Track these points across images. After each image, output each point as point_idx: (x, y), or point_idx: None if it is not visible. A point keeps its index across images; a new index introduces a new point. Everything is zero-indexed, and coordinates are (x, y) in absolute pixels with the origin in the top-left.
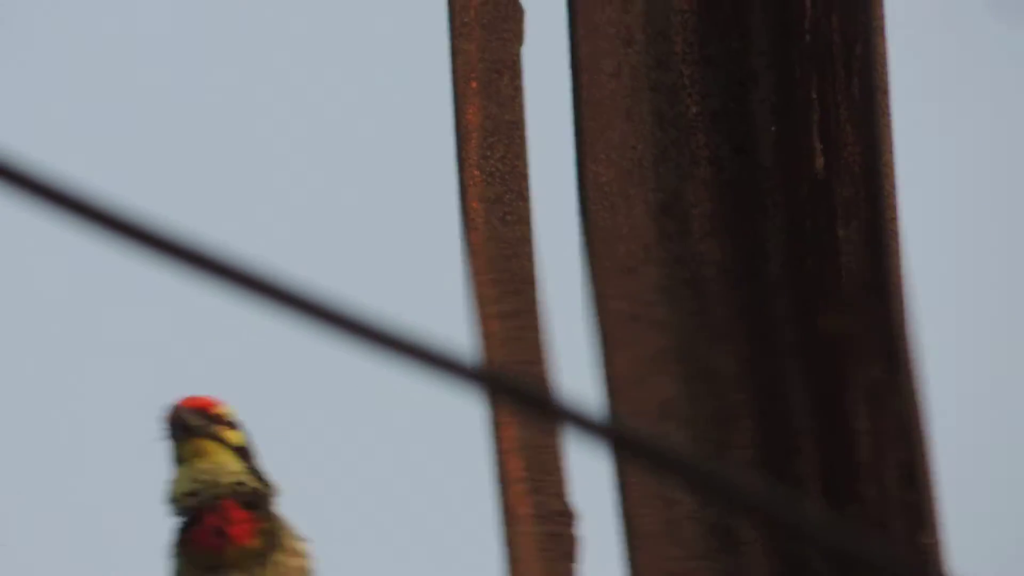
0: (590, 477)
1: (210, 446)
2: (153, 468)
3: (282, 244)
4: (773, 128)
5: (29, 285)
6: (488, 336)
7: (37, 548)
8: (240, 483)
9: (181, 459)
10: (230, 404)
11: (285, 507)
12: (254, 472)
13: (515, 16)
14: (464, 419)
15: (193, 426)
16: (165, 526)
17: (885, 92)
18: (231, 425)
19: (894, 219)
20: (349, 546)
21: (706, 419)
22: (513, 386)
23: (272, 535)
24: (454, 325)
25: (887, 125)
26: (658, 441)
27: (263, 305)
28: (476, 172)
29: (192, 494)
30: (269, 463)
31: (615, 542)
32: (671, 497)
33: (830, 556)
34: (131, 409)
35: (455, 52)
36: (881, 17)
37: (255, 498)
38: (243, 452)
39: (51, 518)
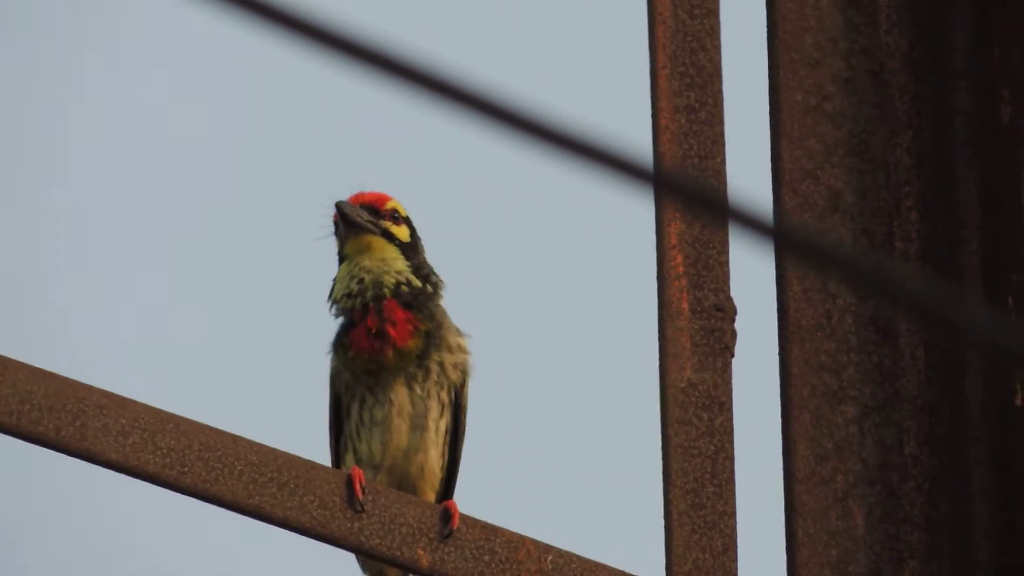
0: (751, 272)
1: (375, 242)
2: (320, 265)
3: (457, 41)
4: None
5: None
6: (664, 131)
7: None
8: (403, 282)
9: (346, 256)
10: (399, 200)
11: (448, 303)
12: (418, 270)
13: None
14: (628, 215)
15: (359, 221)
16: (329, 324)
17: None
18: (397, 220)
19: None
20: (510, 340)
21: (873, 212)
22: (681, 182)
23: (432, 335)
24: (629, 122)
25: None
26: (821, 236)
27: (438, 102)
28: None
29: (354, 295)
30: (436, 260)
31: (771, 338)
32: (831, 291)
33: (988, 350)
34: (301, 205)
35: None
36: None
37: (417, 297)
38: (409, 248)
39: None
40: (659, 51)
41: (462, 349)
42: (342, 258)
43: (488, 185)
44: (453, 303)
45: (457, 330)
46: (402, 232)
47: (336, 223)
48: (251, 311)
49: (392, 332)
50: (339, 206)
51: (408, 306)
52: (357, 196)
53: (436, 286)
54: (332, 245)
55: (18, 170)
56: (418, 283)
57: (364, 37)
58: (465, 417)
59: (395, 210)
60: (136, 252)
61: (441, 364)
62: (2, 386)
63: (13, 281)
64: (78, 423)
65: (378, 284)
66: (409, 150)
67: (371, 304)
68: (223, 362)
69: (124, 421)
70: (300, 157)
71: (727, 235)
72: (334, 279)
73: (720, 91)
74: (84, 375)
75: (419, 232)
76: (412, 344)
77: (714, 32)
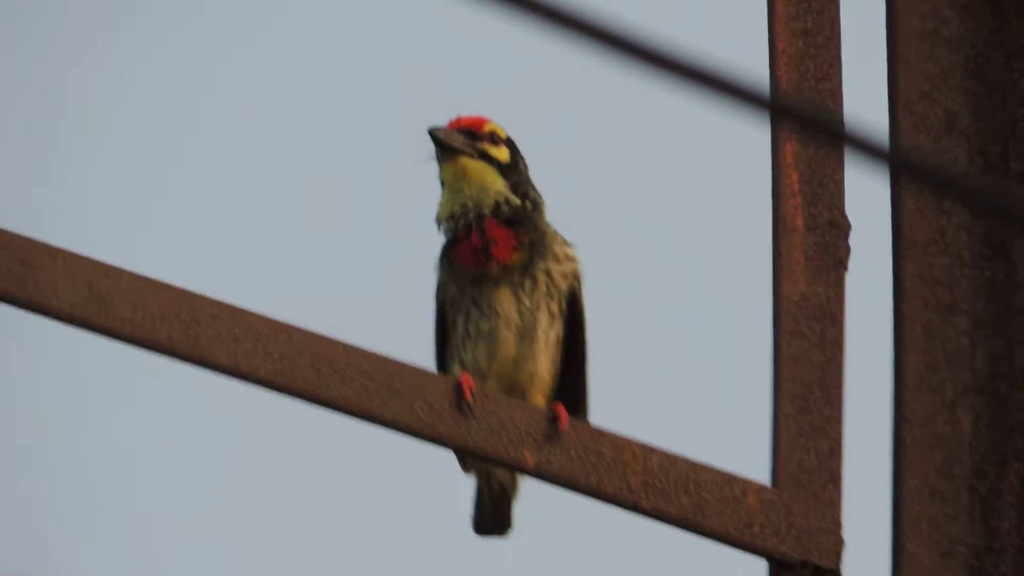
0: (866, 191)
1: (473, 165)
2: (424, 186)
3: None
4: None
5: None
6: (781, 54)
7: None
8: (501, 202)
9: (446, 180)
10: (498, 122)
11: (554, 219)
12: (518, 189)
13: None
14: (745, 134)
15: (456, 146)
16: (435, 241)
17: None
18: (496, 142)
19: None
20: (631, 255)
21: (988, 133)
22: (798, 108)
23: (535, 246)
24: (747, 46)
25: None
26: (936, 159)
27: (546, 28)
28: None
29: (456, 216)
30: (554, 185)
31: (885, 254)
32: (945, 208)
33: None
34: (401, 130)
35: None
36: None
37: (518, 214)
38: (509, 168)
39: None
40: None
41: (569, 258)
42: (443, 183)
43: (607, 111)
44: (571, 225)
45: (563, 240)
46: (501, 153)
47: (435, 145)
48: (360, 229)
49: (495, 250)
50: (432, 133)
51: (509, 223)
52: (455, 122)
53: (536, 203)
54: (433, 170)
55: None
56: (517, 201)
57: None
58: (585, 326)
59: (494, 132)
60: (253, 173)
61: (548, 273)
62: (115, 295)
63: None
64: (191, 332)
65: (478, 205)
66: (524, 78)
67: (473, 224)
68: (333, 276)
69: (237, 330)
70: (408, 84)
71: (842, 155)
72: (438, 203)
73: (837, 15)
74: (198, 286)
75: (522, 154)
76: (516, 258)
77: None
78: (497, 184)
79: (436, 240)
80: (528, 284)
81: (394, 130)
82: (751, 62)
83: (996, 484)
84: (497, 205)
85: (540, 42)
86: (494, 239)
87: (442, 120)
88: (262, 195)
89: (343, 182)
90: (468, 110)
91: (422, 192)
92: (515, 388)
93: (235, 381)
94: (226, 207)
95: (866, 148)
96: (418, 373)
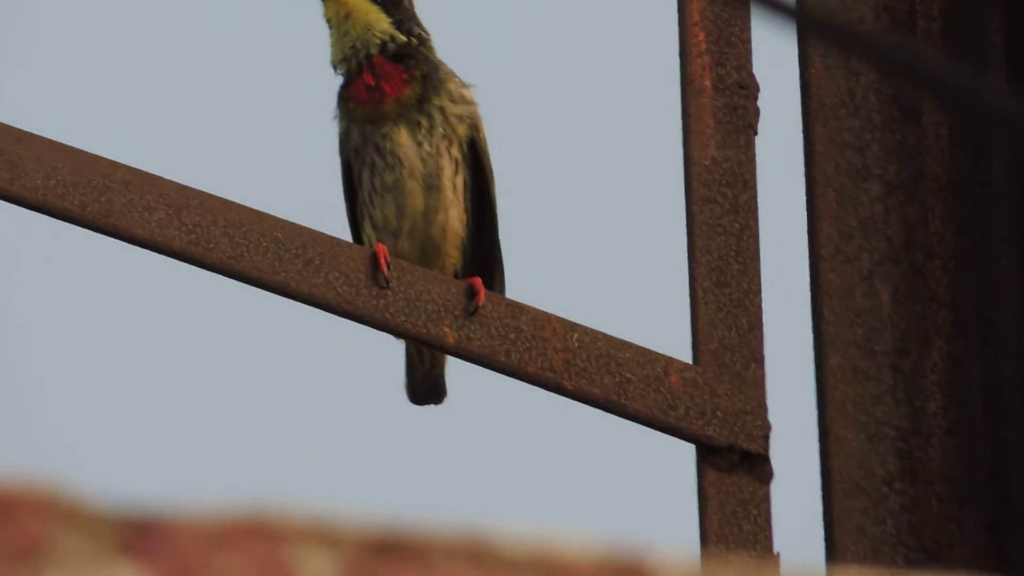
0: (773, 50)
1: (354, 2)
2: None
3: None
4: None
5: None
6: None
7: None
8: (387, 40)
9: (330, 19)
10: None
11: (447, 59)
12: (402, 25)
13: None
14: None
15: None
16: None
17: None
18: None
19: None
20: (531, 111)
21: None
22: None
23: (428, 80)
24: None
25: None
26: (843, 15)
27: None
28: None
29: (348, 59)
30: (440, 35)
31: (794, 116)
32: (854, 68)
33: (1012, 128)
34: None
35: None
36: None
37: (406, 49)
38: (391, 5)
39: None
40: None
41: (466, 100)
42: (328, 23)
43: None
44: (469, 74)
45: (460, 81)
46: None
47: None
48: (257, 84)
49: (386, 86)
50: None
51: (397, 58)
52: None
53: (422, 39)
54: (316, 6)
55: None
56: (402, 38)
57: None
58: (491, 175)
59: None
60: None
61: (443, 111)
62: (27, 161)
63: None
64: (104, 199)
65: (366, 45)
66: None
67: (363, 63)
68: (239, 139)
69: (150, 197)
70: None
71: (749, 12)
72: (330, 46)
73: None
74: (109, 151)
75: None
76: (408, 91)
77: None
78: (382, 23)
79: (335, 87)
80: (425, 123)
81: None
82: None
83: (919, 362)
84: (383, 44)
85: None
86: (385, 75)
87: None
88: (168, 56)
89: (240, 34)
90: None
91: (314, 42)
92: (429, 244)
93: (148, 251)
94: (135, 72)
95: (772, 4)
96: (334, 243)
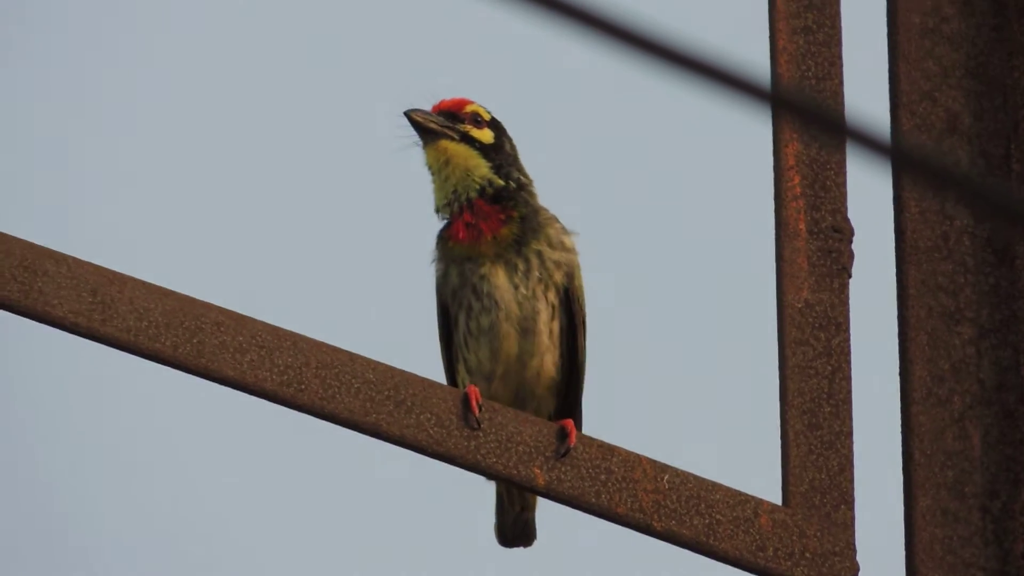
0: (868, 194)
1: (455, 148)
2: (408, 172)
3: None
4: None
5: None
6: (782, 52)
7: None
8: (485, 185)
9: (430, 165)
10: (481, 104)
11: (550, 204)
12: (501, 170)
13: None
14: (747, 135)
15: (435, 128)
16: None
17: None
18: (479, 123)
19: None
20: (629, 261)
21: (991, 134)
22: (800, 102)
23: (527, 222)
24: (748, 43)
25: None
26: (939, 157)
27: (551, 19)
28: None
29: (451, 203)
30: (552, 178)
31: (888, 259)
32: (948, 212)
33: None
34: (382, 115)
35: None
36: None
37: (504, 192)
38: (492, 150)
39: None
40: None
41: (565, 247)
42: (428, 168)
43: (608, 106)
44: (573, 218)
45: (563, 228)
46: (484, 135)
47: (415, 130)
48: (354, 229)
49: (483, 225)
50: (408, 115)
51: (495, 199)
52: (436, 105)
53: (520, 183)
54: (417, 154)
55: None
56: (500, 182)
57: None
58: (583, 320)
59: (476, 113)
60: (247, 180)
61: (541, 256)
62: (120, 303)
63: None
64: (195, 340)
65: (466, 189)
66: (526, 71)
67: (463, 205)
68: (335, 282)
69: (241, 339)
70: (396, 75)
71: (844, 156)
72: (433, 192)
73: (838, 12)
74: (201, 293)
75: (509, 134)
76: (506, 231)
77: None
78: (481, 168)
79: (430, 237)
80: (522, 266)
81: (382, 120)
82: (751, 60)
83: (1008, 504)
84: (482, 189)
85: (543, 34)
86: (483, 214)
87: (424, 104)
88: (262, 201)
89: (340, 182)
90: (452, 93)
91: (412, 186)
92: (522, 387)
93: (240, 392)
94: (226, 213)
95: (868, 144)
96: (425, 384)
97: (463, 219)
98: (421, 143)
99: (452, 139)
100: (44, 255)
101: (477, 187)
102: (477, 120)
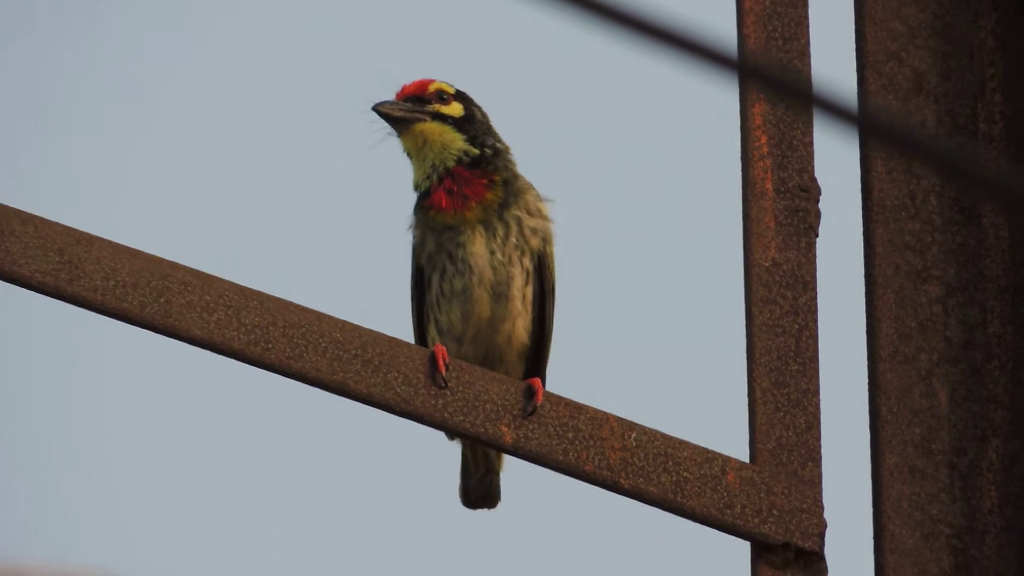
0: (835, 153)
1: (429, 128)
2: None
3: None
4: None
5: None
6: (748, 12)
7: None
8: (462, 155)
9: (409, 150)
10: (443, 80)
11: (538, 183)
12: (476, 139)
13: None
14: (713, 96)
15: (405, 115)
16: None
17: None
18: (445, 99)
19: None
20: (597, 220)
21: (957, 93)
22: (765, 66)
23: (509, 186)
24: (713, 4)
25: None
26: (905, 119)
27: None
28: None
29: (429, 177)
30: (523, 145)
31: (855, 218)
32: (915, 172)
33: None
34: (351, 108)
35: None
36: None
37: (482, 159)
38: (464, 121)
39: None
40: None
41: (542, 214)
42: (407, 154)
43: (573, 72)
44: (543, 184)
45: (538, 195)
46: (453, 109)
47: (386, 122)
48: (331, 199)
49: (468, 191)
50: (377, 109)
51: (474, 166)
52: (399, 92)
53: (496, 149)
54: (393, 144)
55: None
56: (476, 151)
57: None
58: (552, 287)
59: (440, 90)
60: (217, 141)
61: (519, 222)
62: (87, 263)
63: (98, 158)
64: (162, 299)
65: (443, 162)
66: (491, 41)
67: (443, 175)
68: (306, 245)
69: (208, 298)
70: (343, 64)
71: (811, 116)
72: (413, 172)
73: None
74: (169, 253)
75: (478, 104)
76: (491, 195)
77: None
78: (456, 142)
79: (408, 208)
80: (501, 231)
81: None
82: (718, 20)
83: (975, 461)
84: (459, 159)
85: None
86: (465, 180)
87: (387, 94)
88: (232, 162)
89: (312, 145)
90: (410, 76)
91: (390, 163)
92: (492, 350)
93: (207, 351)
94: (198, 175)
95: (835, 108)
96: (393, 343)
97: (444, 187)
98: (395, 132)
99: (424, 121)
100: (11, 215)
101: (454, 158)
102: (443, 97)
